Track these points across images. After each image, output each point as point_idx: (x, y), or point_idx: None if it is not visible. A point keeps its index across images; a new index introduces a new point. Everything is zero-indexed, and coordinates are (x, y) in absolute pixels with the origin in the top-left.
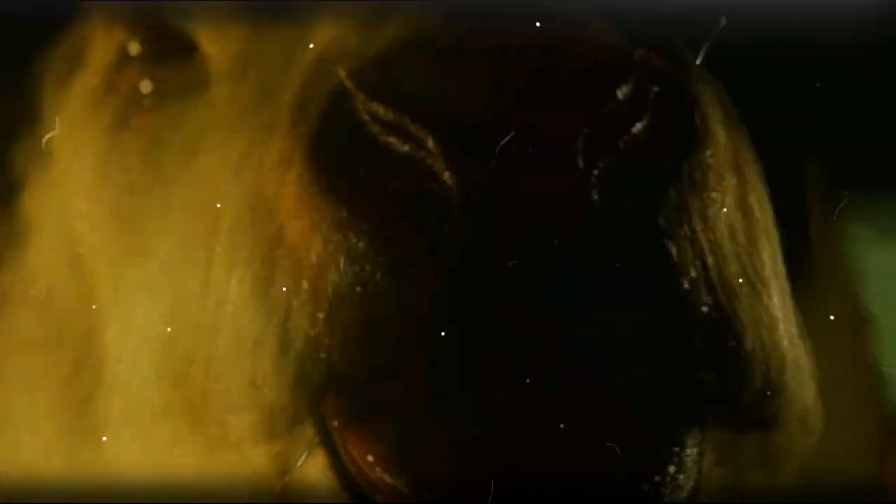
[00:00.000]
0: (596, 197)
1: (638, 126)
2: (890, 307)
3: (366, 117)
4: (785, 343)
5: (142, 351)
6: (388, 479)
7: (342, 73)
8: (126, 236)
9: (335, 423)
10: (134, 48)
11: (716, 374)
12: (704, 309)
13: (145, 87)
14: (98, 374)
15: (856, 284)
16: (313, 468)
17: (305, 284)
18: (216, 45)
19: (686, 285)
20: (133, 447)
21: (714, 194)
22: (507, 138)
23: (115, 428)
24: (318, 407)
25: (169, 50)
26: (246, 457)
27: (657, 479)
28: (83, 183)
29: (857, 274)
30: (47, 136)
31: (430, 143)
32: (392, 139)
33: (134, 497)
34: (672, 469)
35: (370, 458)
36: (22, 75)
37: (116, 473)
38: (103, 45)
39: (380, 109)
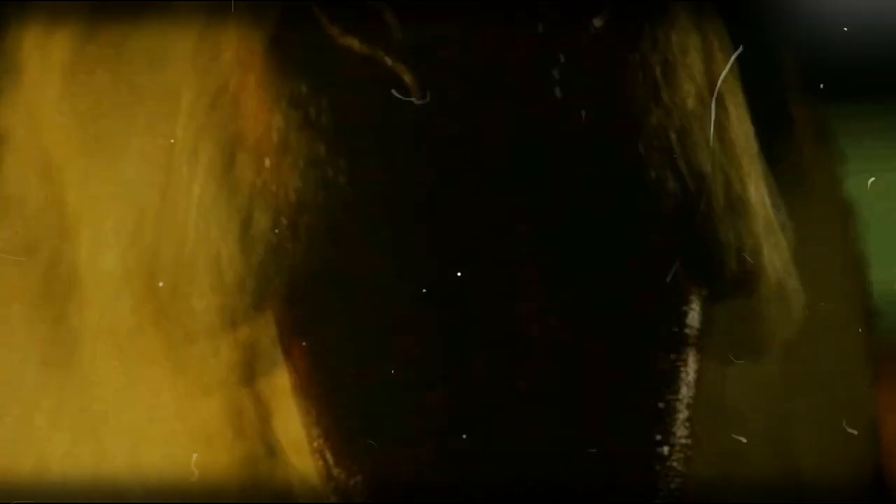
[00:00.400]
0: (559, 93)
1: (599, 19)
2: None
3: (324, 19)
4: (760, 227)
5: (111, 252)
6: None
7: None
8: (94, 139)
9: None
10: None
11: (689, 260)
12: (673, 199)
13: None
14: (71, 284)
15: (840, 176)
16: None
17: (271, 187)
18: None
19: (654, 175)
20: (110, 359)
21: (685, 86)
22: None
23: (90, 337)
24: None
25: None
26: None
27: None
28: (52, 93)
29: (840, 167)
30: None
31: (390, 40)
32: (351, 40)
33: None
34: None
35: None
36: None
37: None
38: None
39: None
